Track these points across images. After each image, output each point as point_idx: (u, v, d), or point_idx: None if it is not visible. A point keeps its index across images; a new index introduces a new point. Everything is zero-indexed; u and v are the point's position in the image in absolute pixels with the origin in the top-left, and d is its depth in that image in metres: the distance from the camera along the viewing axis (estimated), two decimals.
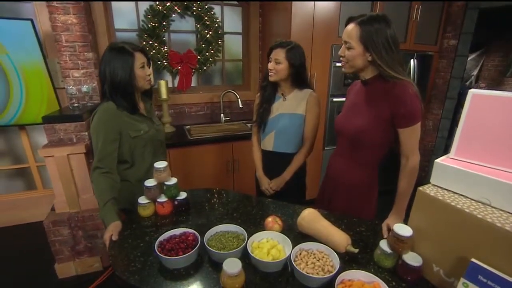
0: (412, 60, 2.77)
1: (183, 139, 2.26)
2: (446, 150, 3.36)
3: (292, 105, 1.46)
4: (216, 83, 2.90)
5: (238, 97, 2.62)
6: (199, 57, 2.59)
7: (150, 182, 1.12)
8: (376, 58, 1.04)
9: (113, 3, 2.28)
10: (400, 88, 1.03)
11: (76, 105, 1.97)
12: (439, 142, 3.22)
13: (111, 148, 1.18)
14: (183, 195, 1.17)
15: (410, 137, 1.06)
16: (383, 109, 1.08)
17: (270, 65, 1.40)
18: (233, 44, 2.85)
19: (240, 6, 2.73)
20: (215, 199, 1.30)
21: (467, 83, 4.52)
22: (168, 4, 2.32)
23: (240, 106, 2.63)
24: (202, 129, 2.54)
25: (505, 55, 4.32)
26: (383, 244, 0.89)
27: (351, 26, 1.08)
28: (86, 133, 1.88)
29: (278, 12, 2.41)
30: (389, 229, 1.06)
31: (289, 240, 0.92)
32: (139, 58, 1.20)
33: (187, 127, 2.57)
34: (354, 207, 1.24)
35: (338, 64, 2.45)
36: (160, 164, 1.12)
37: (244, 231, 0.96)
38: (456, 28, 2.86)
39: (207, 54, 2.62)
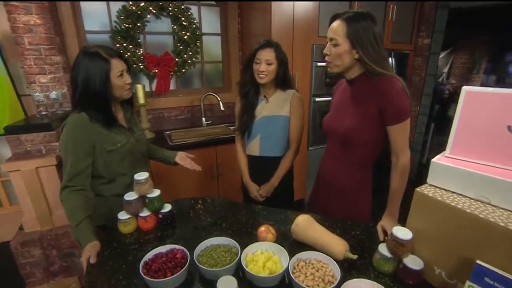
0: (389, 59, 2.83)
1: (164, 145, 2.14)
2: (424, 145, 3.47)
3: (275, 106, 1.41)
4: (195, 86, 2.81)
5: (219, 99, 2.54)
6: (177, 59, 2.49)
7: (130, 196, 1.03)
8: (362, 54, 1.02)
9: (82, 3, 2.13)
10: (386, 84, 1.01)
11: (44, 113, 1.81)
12: (417, 138, 3.32)
13: (83, 165, 1.07)
14: (167, 207, 1.08)
15: (400, 135, 1.05)
16: (370, 106, 1.06)
17: (262, 67, 1.32)
18: (212, 46, 2.77)
19: (218, 7, 2.66)
20: (201, 209, 1.23)
21: (440, 79, 4.73)
22: (142, 4, 2.21)
23: (222, 108, 2.55)
24: (183, 134, 2.44)
25: (471, 53, 4.57)
26: (382, 248, 0.86)
27: (337, 22, 1.05)
28: (57, 143, 1.73)
29: (257, 12, 2.37)
30: (384, 231, 1.04)
31: (284, 251, 0.87)
32: (117, 66, 1.09)
33: (167, 132, 2.46)
34: (349, 209, 1.21)
35: (320, 64, 2.45)
36: (141, 176, 1.03)
37: (237, 243, 0.89)
38: (429, 27, 2.96)
39: (185, 56, 2.52)
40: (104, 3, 2.19)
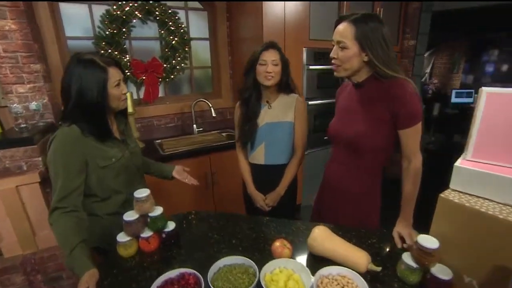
0: None
1: (156, 155, 2.05)
2: None
3: (279, 112, 1.36)
4: (184, 92, 2.71)
5: (210, 106, 2.46)
6: (165, 65, 2.39)
7: (130, 216, 0.94)
8: (372, 57, 0.98)
9: (62, 8, 2.00)
10: (399, 87, 0.98)
11: (23, 125, 1.66)
12: None
13: (75, 183, 0.97)
14: (171, 225, 0.99)
15: (412, 138, 1.02)
16: (381, 110, 1.02)
17: (270, 68, 1.27)
18: (200, 50, 2.69)
19: (206, 11, 2.59)
20: (206, 224, 1.15)
21: (423, 79, 4.87)
22: (127, 8, 2.10)
23: (214, 115, 2.47)
24: (175, 142, 2.34)
25: (451, 54, 4.75)
26: (407, 258, 0.82)
27: (343, 25, 1.02)
28: (40, 158, 1.59)
29: (248, 15, 2.32)
30: (401, 237, 1.01)
31: (305, 267, 0.81)
32: (114, 75, 1.00)
33: (157, 141, 2.35)
34: (358, 215, 1.17)
35: (312, 67, 2.43)
36: (141, 193, 0.94)
37: (253, 263, 0.82)
38: (413, 29, 3.02)
39: (173, 61, 2.43)
40: (86, 7, 2.07)
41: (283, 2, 2.14)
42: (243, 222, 1.15)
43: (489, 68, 4.82)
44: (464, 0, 2.91)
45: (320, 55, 2.46)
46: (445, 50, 4.72)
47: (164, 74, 2.41)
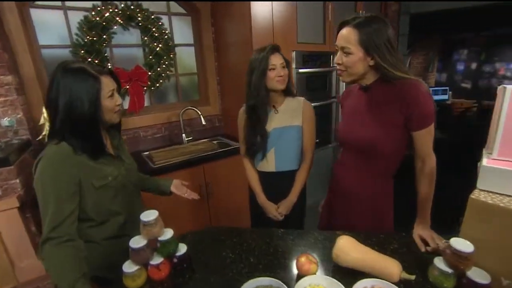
0: None
1: (146, 168, 1.92)
2: None
3: (286, 117, 1.31)
4: (170, 101, 2.60)
5: (200, 114, 2.37)
6: (150, 73, 2.27)
7: (137, 242, 0.83)
8: (379, 60, 0.96)
9: (33, 15, 1.83)
10: (411, 88, 0.96)
11: None
12: None
13: (68, 208, 0.86)
14: (182, 248, 0.90)
15: (425, 139, 1.00)
16: (394, 113, 1.00)
17: (282, 71, 1.23)
18: (184, 57, 2.59)
19: (189, 16, 2.51)
20: (217, 242, 1.06)
21: None
22: (107, 14, 1.98)
23: (203, 123, 2.38)
24: (165, 153, 2.21)
25: (426, 54, 4.98)
26: (439, 263, 0.78)
27: (346, 30, 0.99)
28: (18, 180, 1.42)
29: (234, 19, 2.26)
30: (423, 239, 0.98)
31: (338, 282, 0.75)
32: (108, 84, 0.91)
33: (145, 153, 2.22)
34: (373, 219, 1.14)
35: (301, 70, 2.42)
36: (149, 216, 0.84)
37: (281, 283, 0.76)
38: (394, 31, 3.12)
39: (158, 69, 2.32)
40: (61, 14, 1.91)
41: (270, 2, 2.10)
42: (256, 236, 1.07)
43: (460, 67, 5.11)
44: (436, 0, 3.05)
45: (308, 58, 2.45)
46: (420, 50, 4.95)
47: (149, 83, 2.29)
